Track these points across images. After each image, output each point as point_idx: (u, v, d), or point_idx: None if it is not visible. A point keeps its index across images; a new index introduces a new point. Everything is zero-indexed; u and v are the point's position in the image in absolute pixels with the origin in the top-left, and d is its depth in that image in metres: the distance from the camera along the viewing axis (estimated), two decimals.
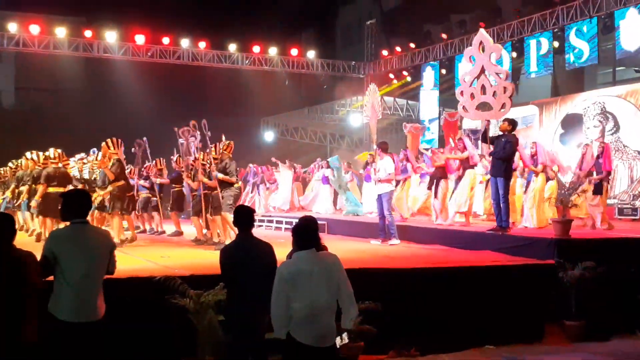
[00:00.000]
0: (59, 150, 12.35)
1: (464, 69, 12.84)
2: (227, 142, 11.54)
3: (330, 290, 4.73)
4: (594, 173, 11.98)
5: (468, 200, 12.36)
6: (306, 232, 4.93)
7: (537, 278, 8.82)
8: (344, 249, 10.46)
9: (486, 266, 9.00)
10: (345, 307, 4.85)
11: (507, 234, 10.29)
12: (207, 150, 11.65)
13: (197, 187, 11.99)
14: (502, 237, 10.22)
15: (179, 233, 13.79)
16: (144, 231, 14.72)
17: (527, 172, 12.17)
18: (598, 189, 11.86)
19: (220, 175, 11.05)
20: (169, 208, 14.78)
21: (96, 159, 13.14)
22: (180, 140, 13.02)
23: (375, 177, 11.77)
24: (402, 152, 14.78)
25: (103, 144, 11.80)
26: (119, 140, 11.92)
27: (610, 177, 12.67)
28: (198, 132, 12.05)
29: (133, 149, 15.30)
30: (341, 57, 29.80)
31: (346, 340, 5.11)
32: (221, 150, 11.43)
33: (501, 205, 10.33)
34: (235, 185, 11.38)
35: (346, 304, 4.84)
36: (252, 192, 19.96)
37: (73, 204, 5.10)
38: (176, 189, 14.41)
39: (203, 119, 11.68)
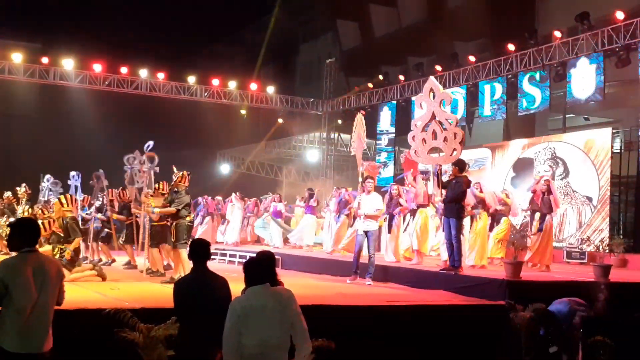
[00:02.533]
0: None
1: (417, 113, 13.14)
2: (181, 173, 11.42)
3: (283, 327, 4.66)
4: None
5: (419, 238, 12.56)
6: (259, 267, 4.89)
7: (489, 318, 8.91)
8: (298, 284, 10.40)
9: (439, 305, 9.07)
10: (299, 343, 4.77)
11: (459, 273, 10.41)
12: (156, 185, 11.60)
13: (156, 218, 11.83)
14: (454, 277, 10.34)
15: (133, 266, 13.53)
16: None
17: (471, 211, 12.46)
18: (541, 226, 12.24)
19: (157, 210, 11.02)
20: (121, 240, 14.53)
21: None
22: (125, 168, 12.91)
23: (360, 212, 11.59)
24: (396, 186, 14.87)
25: (56, 200, 11.49)
26: (74, 197, 11.74)
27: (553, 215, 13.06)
28: (143, 158, 11.97)
29: (91, 182, 15.04)
30: (300, 93, 30.06)
31: None
32: (176, 182, 11.35)
33: (454, 244, 10.48)
34: (188, 219, 11.27)
35: (300, 340, 4.77)
36: (201, 224, 19.85)
37: (21, 232, 4.98)
38: (128, 221, 14.14)
39: (149, 141, 11.62)
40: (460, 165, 10.74)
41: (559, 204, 13.43)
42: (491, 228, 13.13)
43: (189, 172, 11.54)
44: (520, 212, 15.01)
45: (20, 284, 4.68)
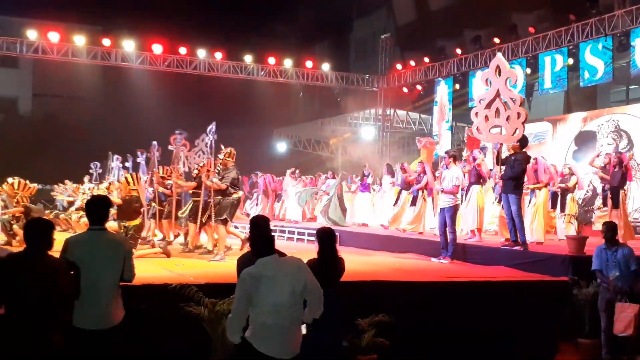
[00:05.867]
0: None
1: (479, 89, 12.89)
2: (229, 149, 11.48)
3: (295, 295, 4.67)
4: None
5: (477, 216, 12.42)
6: (264, 239, 4.90)
7: (551, 295, 8.81)
8: (356, 260, 10.48)
9: (500, 281, 9.00)
10: (313, 303, 4.82)
11: (521, 249, 10.28)
12: (207, 158, 11.72)
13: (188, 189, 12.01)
14: (515, 253, 10.22)
15: (168, 242, 13.54)
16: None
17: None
18: (615, 202, 11.78)
19: (209, 183, 11.09)
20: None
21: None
22: (170, 147, 13.07)
23: (438, 187, 11.46)
24: (419, 164, 14.69)
25: (123, 179, 11.75)
26: (138, 176, 11.99)
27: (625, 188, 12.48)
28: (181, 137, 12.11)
29: (148, 153, 15.26)
30: (355, 70, 29.94)
31: (304, 332, 5.00)
32: (225, 158, 11.40)
33: (515, 220, 10.34)
34: (234, 196, 11.30)
35: (314, 300, 4.81)
36: (256, 204, 20.11)
37: (92, 210, 5.17)
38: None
39: (213, 123, 11.75)
40: (522, 141, 10.56)
41: (632, 176, 12.99)
42: (555, 204, 12.89)
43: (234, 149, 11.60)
44: (586, 186, 14.66)
45: (83, 261, 4.84)
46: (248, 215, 19.84)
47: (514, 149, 10.58)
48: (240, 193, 12.14)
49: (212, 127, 11.73)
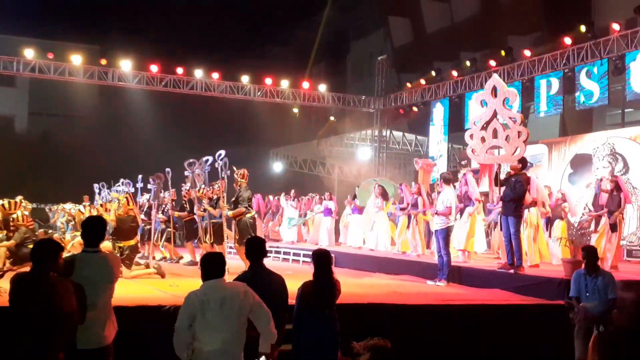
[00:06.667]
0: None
1: (474, 112, 12.94)
2: (242, 170, 11.78)
3: (240, 319, 4.77)
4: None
5: (466, 237, 12.42)
6: (213, 264, 4.96)
7: (547, 319, 8.76)
8: (352, 282, 10.44)
9: (495, 305, 8.96)
10: (263, 327, 4.87)
11: (518, 272, 10.24)
12: (219, 182, 11.88)
13: (216, 214, 12.18)
14: (512, 276, 10.18)
15: (194, 262, 13.77)
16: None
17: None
18: (614, 226, 11.75)
19: (230, 213, 11.29)
20: (184, 237, 14.97)
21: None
22: (186, 172, 13.21)
23: (432, 210, 11.51)
24: (415, 185, 14.67)
25: (123, 200, 11.79)
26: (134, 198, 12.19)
27: (624, 212, 12.42)
28: (206, 164, 12.23)
29: (150, 183, 15.32)
30: (351, 91, 30.05)
31: None
32: (238, 180, 11.69)
33: (513, 243, 10.31)
34: (248, 215, 11.55)
35: (264, 324, 4.86)
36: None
37: (87, 231, 5.18)
38: (188, 218, 14.48)
39: (220, 150, 11.86)
40: (523, 162, 10.57)
41: (630, 199, 12.98)
42: (547, 228, 12.89)
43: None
44: (581, 209, 14.66)
45: (82, 282, 4.81)
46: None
47: (513, 170, 10.58)
48: (254, 211, 12.39)
49: (222, 154, 11.82)
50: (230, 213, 11.49)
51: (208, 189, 12.58)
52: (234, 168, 11.95)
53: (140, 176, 15.25)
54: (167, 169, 13.90)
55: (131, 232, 11.36)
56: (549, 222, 13.09)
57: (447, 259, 10.93)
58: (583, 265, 7.78)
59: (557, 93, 18.90)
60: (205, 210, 12.51)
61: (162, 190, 14.22)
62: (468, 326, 8.34)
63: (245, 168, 12.29)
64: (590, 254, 7.73)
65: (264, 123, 27.56)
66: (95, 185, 17.90)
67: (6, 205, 12.22)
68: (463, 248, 12.42)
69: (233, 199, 11.89)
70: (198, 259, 13.38)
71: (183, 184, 14.71)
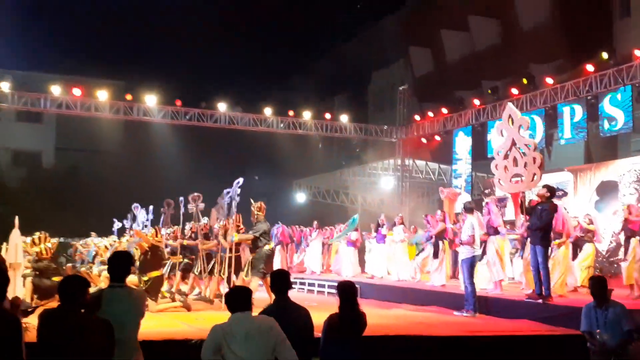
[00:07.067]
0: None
1: (496, 141, 12.94)
2: (259, 203, 11.76)
3: (264, 355, 4.75)
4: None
5: (500, 267, 12.27)
6: (239, 297, 5.00)
7: (577, 349, 8.59)
8: (377, 314, 10.37)
9: (524, 335, 8.83)
10: None
11: (547, 302, 10.09)
12: (233, 216, 11.91)
13: (227, 245, 12.19)
14: (540, 306, 10.04)
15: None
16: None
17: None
18: None
19: (236, 237, 11.27)
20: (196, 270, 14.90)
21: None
22: (190, 207, 13.33)
23: (457, 240, 11.45)
24: (440, 212, 14.56)
25: (152, 230, 11.95)
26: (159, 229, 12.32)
27: None
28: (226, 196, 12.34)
29: (162, 209, 15.45)
30: (373, 121, 30.17)
31: None
32: (255, 212, 11.68)
33: (541, 272, 10.19)
34: (266, 247, 11.51)
35: None
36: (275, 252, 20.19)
37: (113, 266, 5.25)
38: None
39: (239, 178, 11.95)
40: (550, 190, 10.48)
41: None
42: (574, 256, 12.72)
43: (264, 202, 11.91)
44: (609, 236, 14.44)
45: (110, 318, 4.80)
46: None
47: (540, 198, 10.50)
48: (272, 244, 12.37)
49: (240, 181, 11.92)
50: (236, 237, 11.41)
51: (227, 221, 12.51)
52: (251, 200, 11.98)
53: (151, 207, 15.40)
54: (181, 198, 14.00)
55: (157, 263, 11.46)
56: (577, 246, 12.90)
57: (472, 289, 10.80)
58: (592, 298, 7.23)
59: (581, 120, 18.80)
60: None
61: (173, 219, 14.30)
62: (496, 358, 8.22)
63: (269, 199, 12.39)
64: (598, 284, 7.13)
65: (287, 154, 27.77)
66: (115, 220, 18.08)
67: (36, 241, 12.46)
68: (499, 279, 12.27)
69: (250, 231, 11.86)
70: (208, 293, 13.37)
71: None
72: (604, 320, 6.96)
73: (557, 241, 11.75)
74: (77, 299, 4.62)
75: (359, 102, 36.54)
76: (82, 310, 4.65)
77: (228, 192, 12.33)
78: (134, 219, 17.44)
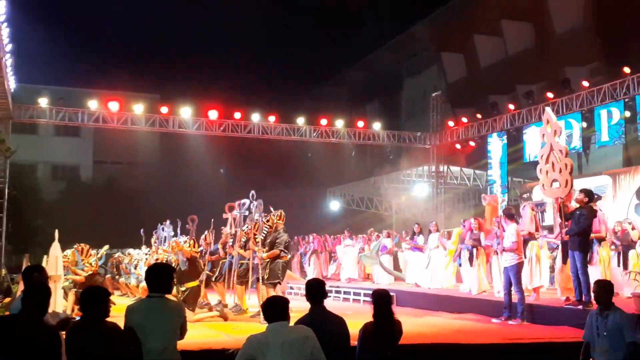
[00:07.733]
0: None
1: (533, 143, 12.85)
2: (279, 212, 11.72)
3: None
4: None
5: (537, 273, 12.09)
6: (275, 307, 4.97)
7: None
8: (413, 322, 10.30)
9: (564, 342, 8.68)
10: None
11: (587, 308, 9.90)
12: (253, 223, 11.97)
13: (247, 256, 12.25)
14: (580, 312, 9.86)
15: (224, 305, 13.68)
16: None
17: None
18: None
19: (265, 255, 11.28)
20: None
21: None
22: (225, 215, 13.46)
23: (498, 247, 11.30)
24: (476, 219, 14.37)
25: (188, 246, 12.08)
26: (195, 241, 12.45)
27: None
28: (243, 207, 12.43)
29: (187, 225, 15.55)
30: (406, 128, 30.07)
31: None
32: (275, 221, 11.67)
33: (581, 278, 10.02)
34: (284, 258, 11.54)
35: None
36: (308, 264, 20.21)
37: (152, 278, 5.27)
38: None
39: (251, 191, 12.07)
40: (589, 194, 10.32)
41: None
42: (619, 262, 12.50)
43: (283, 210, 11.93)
44: None
45: (147, 329, 4.90)
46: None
47: (578, 203, 10.35)
48: (289, 255, 12.35)
49: (254, 194, 12.04)
50: (264, 255, 11.45)
51: (244, 231, 12.61)
52: (271, 209, 11.99)
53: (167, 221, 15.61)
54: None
55: (196, 273, 11.59)
56: (622, 255, 12.66)
57: (521, 296, 10.56)
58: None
59: (619, 123, 18.48)
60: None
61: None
62: None
63: (302, 208, 12.40)
64: (602, 288, 6.27)
65: (320, 163, 27.82)
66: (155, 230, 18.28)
67: (84, 251, 12.75)
68: (536, 285, 12.09)
69: (269, 239, 11.65)
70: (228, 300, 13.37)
71: (223, 227, 14.72)
72: (604, 330, 6.08)
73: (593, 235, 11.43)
74: (96, 309, 4.67)
75: (391, 109, 36.50)
76: (108, 321, 4.68)
77: (244, 204, 12.45)
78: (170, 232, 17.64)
